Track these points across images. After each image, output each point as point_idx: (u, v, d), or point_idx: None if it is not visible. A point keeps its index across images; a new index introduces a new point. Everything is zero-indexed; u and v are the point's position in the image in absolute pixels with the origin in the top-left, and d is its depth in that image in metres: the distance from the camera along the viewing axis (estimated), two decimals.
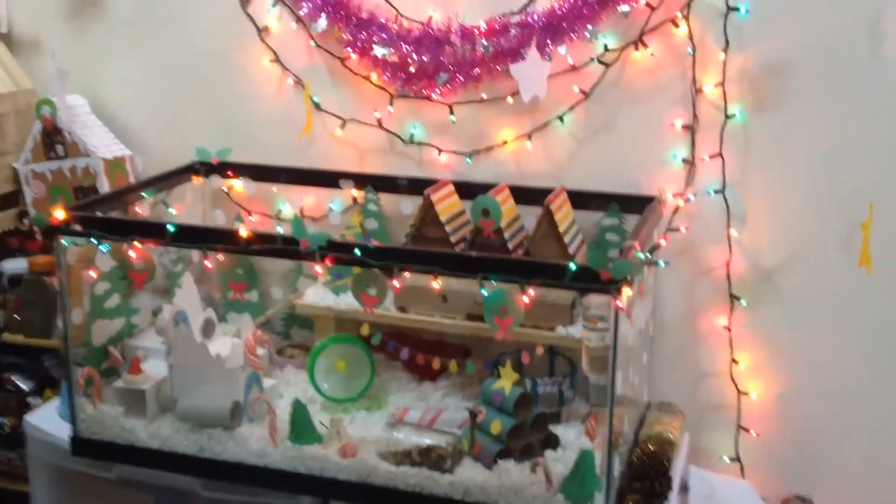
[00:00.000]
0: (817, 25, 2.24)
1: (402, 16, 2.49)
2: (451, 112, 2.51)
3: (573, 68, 2.40)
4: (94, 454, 2.27)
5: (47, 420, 2.43)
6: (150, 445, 2.21)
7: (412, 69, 2.47)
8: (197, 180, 2.67)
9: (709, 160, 2.36)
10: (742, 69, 2.31)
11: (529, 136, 2.48)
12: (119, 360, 2.34)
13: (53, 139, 2.65)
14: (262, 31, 2.64)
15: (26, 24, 2.88)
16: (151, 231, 2.12)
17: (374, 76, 2.55)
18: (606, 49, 2.37)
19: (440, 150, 2.55)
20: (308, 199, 2.68)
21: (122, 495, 2.32)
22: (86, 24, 2.82)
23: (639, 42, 2.35)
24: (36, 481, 2.46)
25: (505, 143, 2.50)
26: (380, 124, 2.58)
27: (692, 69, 2.32)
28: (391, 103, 2.55)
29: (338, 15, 2.52)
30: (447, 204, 2.35)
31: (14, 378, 2.80)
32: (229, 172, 2.67)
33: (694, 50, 2.31)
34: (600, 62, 2.38)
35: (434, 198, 2.30)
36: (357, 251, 1.95)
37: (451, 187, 2.40)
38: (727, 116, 2.32)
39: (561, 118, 2.44)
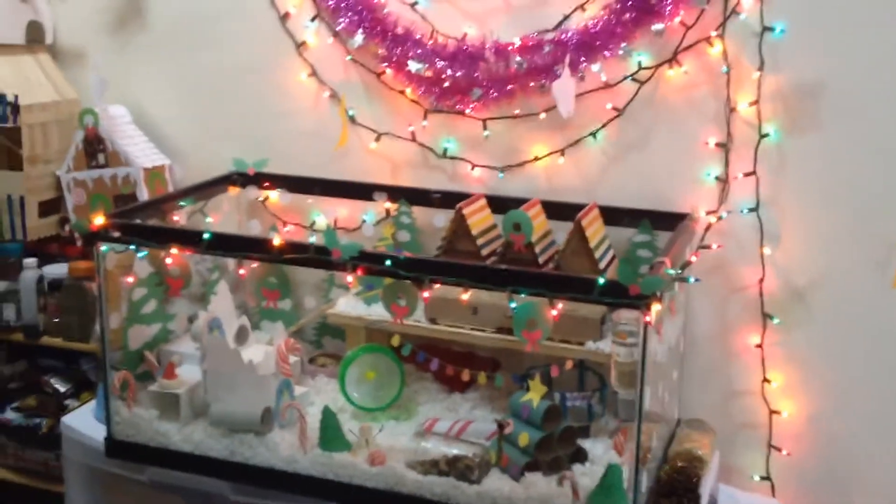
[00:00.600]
0: (853, 46, 2.23)
1: (437, 32, 2.53)
2: (485, 127, 2.54)
3: (607, 85, 2.42)
4: (127, 456, 2.31)
5: (83, 422, 2.48)
6: (182, 449, 2.25)
7: (446, 84, 2.51)
8: (234, 190, 2.72)
9: (742, 178, 2.36)
10: (776, 89, 2.31)
11: (562, 152, 2.49)
12: (154, 364, 2.38)
13: (95, 148, 2.72)
14: (299, 46, 2.68)
15: (71, 35, 2.95)
16: (188, 239, 2.17)
17: (408, 91, 2.58)
18: (640, 67, 2.38)
19: (473, 165, 2.58)
20: (342, 210, 2.72)
21: (154, 498, 2.35)
22: (128, 37, 2.88)
23: (673, 60, 2.36)
24: (71, 482, 2.50)
25: (537, 158, 2.52)
26: (414, 138, 2.62)
27: (727, 88, 2.33)
28: (425, 118, 2.58)
29: (374, 31, 2.56)
30: (479, 218, 2.37)
31: (52, 380, 2.86)
32: (265, 183, 2.72)
33: (728, 68, 2.32)
34: (634, 80, 2.40)
35: (466, 211, 2.33)
36: (388, 262, 1.98)
37: (483, 201, 2.42)
38: (762, 135, 2.32)
39: (594, 135, 2.46)
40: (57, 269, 2.81)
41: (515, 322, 1.94)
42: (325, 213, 2.73)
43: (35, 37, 2.85)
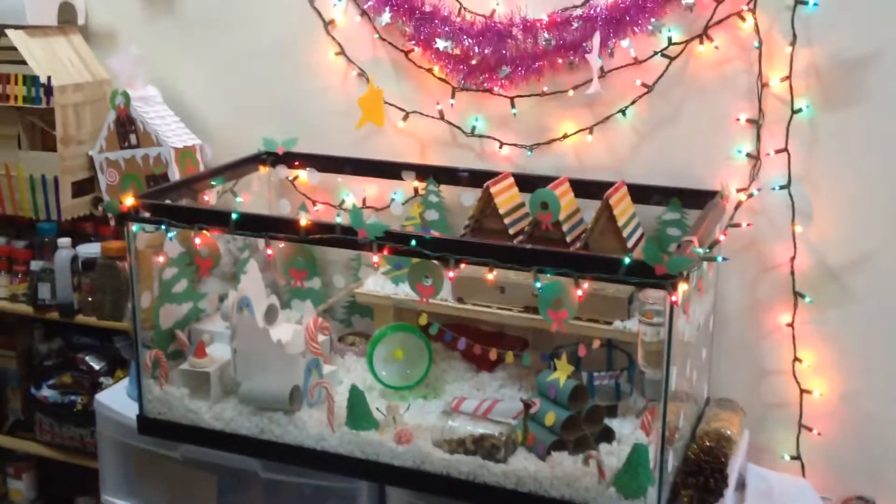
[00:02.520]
0: (888, 19, 2.18)
1: (465, 9, 2.51)
2: (513, 105, 2.52)
3: (636, 61, 2.39)
4: (159, 434, 2.35)
5: (117, 399, 2.51)
6: (213, 426, 2.28)
7: (474, 62, 2.49)
8: (263, 170, 2.73)
9: (774, 155, 2.33)
10: (810, 63, 2.27)
11: (591, 130, 2.47)
12: (185, 343, 2.42)
13: (127, 129, 2.74)
14: (328, 25, 2.68)
15: (103, 16, 2.97)
16: (216, 219, 2.19)
17: (436, 69, 2.57)
18: (671, 42, 2.35)
19: (501, 143, 2.57)
20: (371, 189, 2.72)
21: (186, 474, 2.38)
22: (159, 17, 2.90)
23: (704, 35, 2.32)
24: (105, 458, 2.54)
25: (566, 136, 2.50)
26: (442, 116, 2.61)
27: (758, 63, 2.29)
28: (453, 96, 2.57)
29: (401, 8, 2.55)
30: (507, 196, 2.36)
31: (87, 358, 2.89)
32: (295, 163, 2.73)
33: (760, 43, 2.28)
34: (664, 55, 2.37)
35: (493, 190, 2.32)
36: (413, 242, 1.98)
37: (511, 180, 2.41)
38: (794, 111, 2.29)
39: (623, 112, 2.43)
40: (90, 249, 2.84)
41: (541, 302, 1.93)
42: (355, 192, 2.73)
43: (67, 18, 2.87)
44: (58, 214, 2.77)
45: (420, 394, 2.37)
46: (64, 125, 2.73)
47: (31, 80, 2.69)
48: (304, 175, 2.74)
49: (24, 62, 2.68)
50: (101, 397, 2.55)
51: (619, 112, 2.43)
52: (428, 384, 2.40)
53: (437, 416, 2.23)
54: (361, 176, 2.69)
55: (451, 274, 1.98)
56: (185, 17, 2.87)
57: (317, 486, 2.25)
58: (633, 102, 2.42)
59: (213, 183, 2.54)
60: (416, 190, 2.64)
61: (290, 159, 2.72)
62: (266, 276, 2.49)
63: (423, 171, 2.60)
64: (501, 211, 2.31)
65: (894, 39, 2.19)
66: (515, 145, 2.56)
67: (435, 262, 2.00)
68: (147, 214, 2.22)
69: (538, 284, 1.92)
